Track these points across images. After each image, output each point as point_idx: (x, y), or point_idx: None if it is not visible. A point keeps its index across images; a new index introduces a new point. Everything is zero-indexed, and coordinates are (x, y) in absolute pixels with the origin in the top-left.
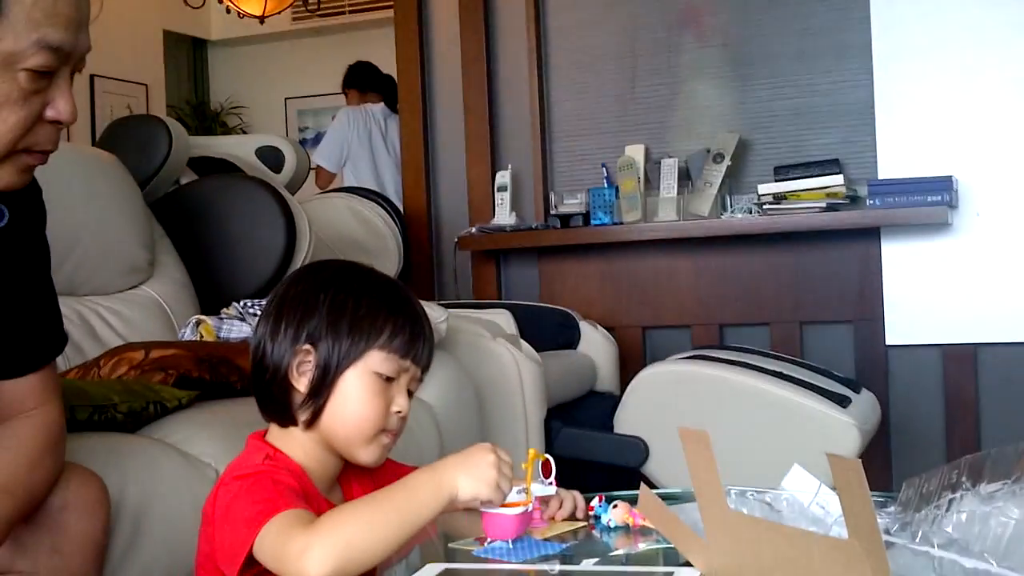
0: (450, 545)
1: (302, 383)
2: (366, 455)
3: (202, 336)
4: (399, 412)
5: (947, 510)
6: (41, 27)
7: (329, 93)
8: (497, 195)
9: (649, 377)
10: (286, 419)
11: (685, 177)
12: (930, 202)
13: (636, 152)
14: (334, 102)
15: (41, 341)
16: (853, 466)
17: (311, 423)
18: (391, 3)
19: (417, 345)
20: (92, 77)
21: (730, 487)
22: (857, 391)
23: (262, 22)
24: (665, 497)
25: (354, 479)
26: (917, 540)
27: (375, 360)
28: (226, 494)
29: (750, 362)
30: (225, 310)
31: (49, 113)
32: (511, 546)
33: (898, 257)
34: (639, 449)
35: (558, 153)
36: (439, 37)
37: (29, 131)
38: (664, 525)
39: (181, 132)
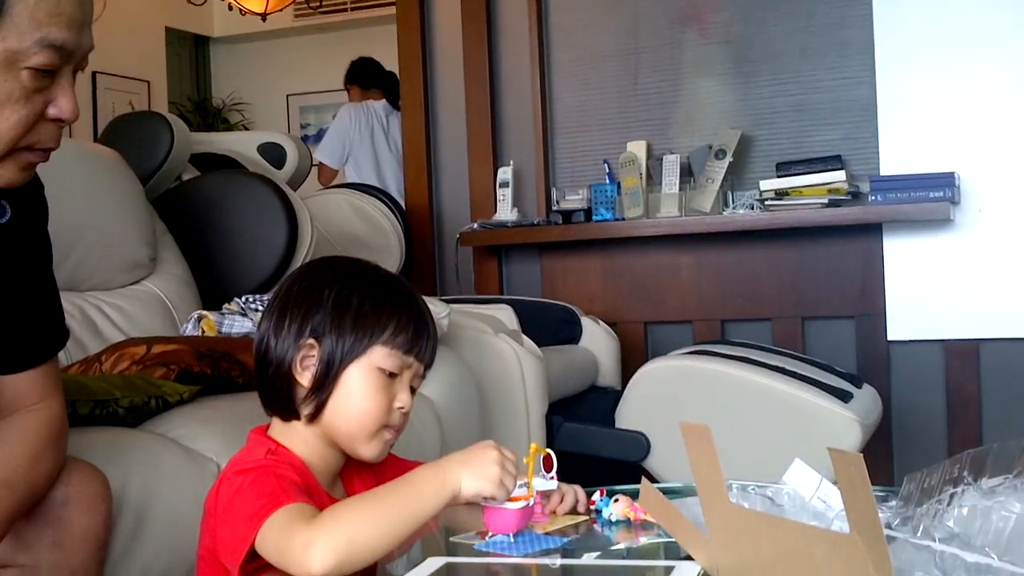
0: (451, 539)
1: (305, 377)
2: (368, 450)
3: (204, 331)
4: (401, 408)
5: (948, 505)
6: (44, 26)
7: (331, 90)
8: (499, 191)
9: (651, 372)
10: (289, 413)
11: (687, 173)
12: (932, 198)
13: (638, 148)
14: (336, 99)
15: (43, 336)
16: (855, 460)
17: (314, 417)
18: (393, 0)
19: (420, 341)
20: (94, 74)
21: (731, 481)
22: (859, 386)
23: (264, 19)
24: (666, 491)
25: (356, 474)
26: (918, 534)
27: (378, 356)
28: (228, 488)
29: (752, 357)
30: (227, 305)
31: (51, 111)
32: (512, 540)
33: (900, 253)
34: (640, 444)
35: (560, 149)
36: (441, 33)
37: (31, 129)
38: (665, 519)
39: (183, 128)
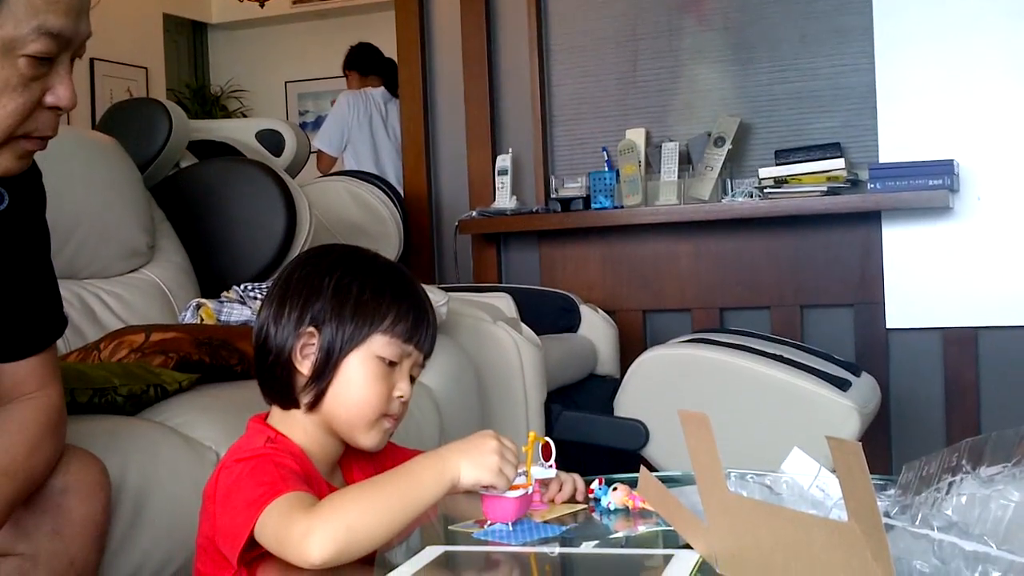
0: (450, 528)
1: (305, 366)
2: (367, 439)
3: (202, 319)
4: (401, 397)
5: (947, 493)
6: (41, 13)
7: (329, 76)
8: (498, 179)
9: (649, 360)
10: (288, 402)
11: (686, 161)
12: (931, 186)
13: (637, 136)
14: (334, 86)
15: (41, 324)
16: (853, 449)
17: (313, 406)
18: None
19: (420, 330)
20: (92, 61)
21: (730, 470)
22: (857, 374)
23: (262, 5)
24: (665, 480)
25: (355, 462)
26: (917, 523)
27: (378, 344)
28: (227, 477)
29: (750, 345)
30: (225, 293)
31: (49, 99)
32: (511, 528)
33: (899, 241)
34: (639, 432)
35: (559, 137)
36: (440, 20)
37: (28, 117)
38: (664, 508)
39: (181, 115)
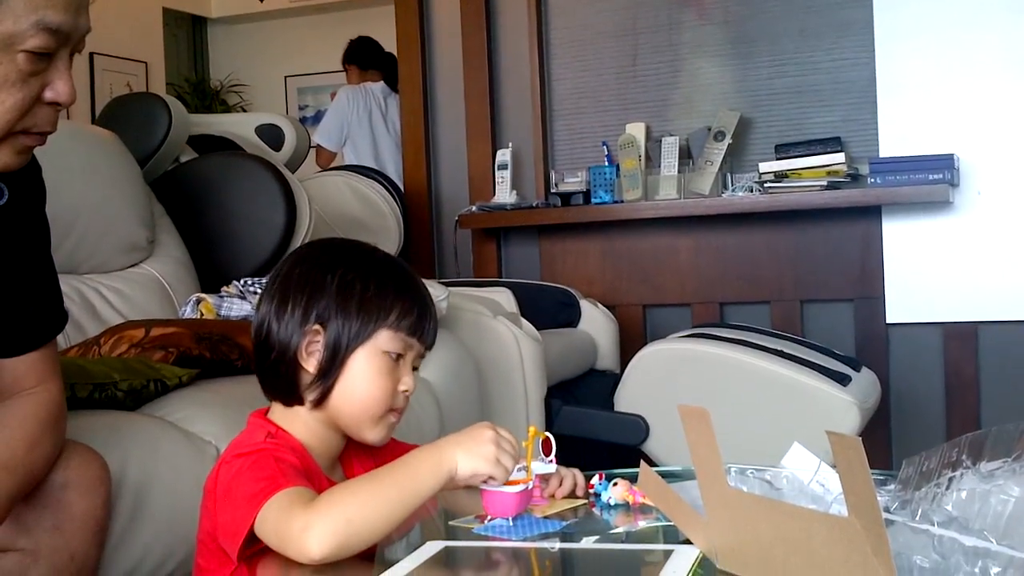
0: (450, 523)
1: (311, 364)
2: (373, 434)
3: (202, 314)
4: (406, 391)
5: (947, 488)
6: (40, 9)
7: (329, 71)
8: (497, 173)
9: (649, 355)
10: (292, 399)
11: (686, 155)
12: (931, 180)
13: (637, 130)
14: (334, 80)
15: (41, 319)
16: (853, 444)
17: (319, 403)
18: None
19: (424, 323)
20: (91, 55)
21: (730, 465)
22: (857, 369)
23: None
24: (665, 475)
25: (355, 457)
26: (917, 518)
27: (384, 339)
28: (228, 471)
29: (750, 340)
30: (225, 288)
31: (48, 95)
32: (511, 524)
33: (899, 235)
34: (639, 427)
35: (559, 131)
36: (439, 14)
37: (27, 113)
38: (664, 503)
39: (181, 110)
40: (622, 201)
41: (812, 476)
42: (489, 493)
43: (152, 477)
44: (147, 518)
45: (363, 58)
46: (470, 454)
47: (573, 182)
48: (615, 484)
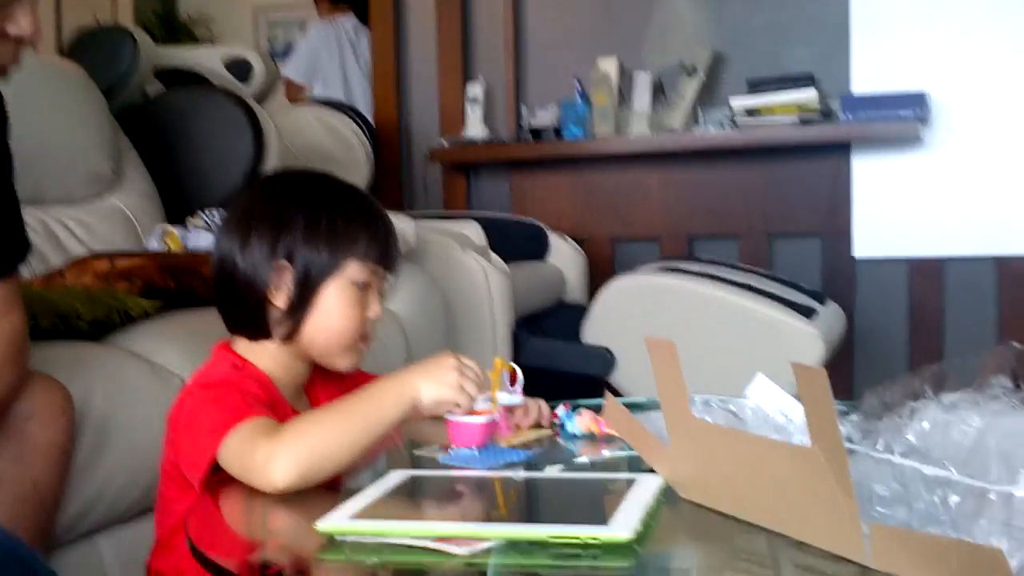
0: (415, 452)
1: (280, 300)
2: (344, 362)
3: (168, 246)
4: (375, 317)
5: (909, 419)
6: None
7: (299, 4)
8: (468, 107)
9: (617, 288)
10: (259, 334)
11: (659, 91)
12: (902, 118)
13: (609, 65)
14: (304, 14)
15: (4, 249)
16: (817, 375)
17: (289, 337)
18: None
19: (391, 250)
20: None
21: (695, 396)
22: (823, 303)
23: None
24: (630, 406)
25: (320, 387)
26: (879, 448)
27: (353, 270)
28: (191, 402)
29: (718, 274)
30: (191, 220)
31: (11, 30)
32: (476, 453)
33: (868, 172)
34: (606, 359)
35: (531, 66)
36: None
37: None
38: (628, 433)
39: (147, 42)
40: (594, 136)
41: (776, 407)
42: (454, 423)
43: (116, 407)
44: (111, 448)
45: None
46: (433, 381)
47: (545, 117)
48: (580, 414)
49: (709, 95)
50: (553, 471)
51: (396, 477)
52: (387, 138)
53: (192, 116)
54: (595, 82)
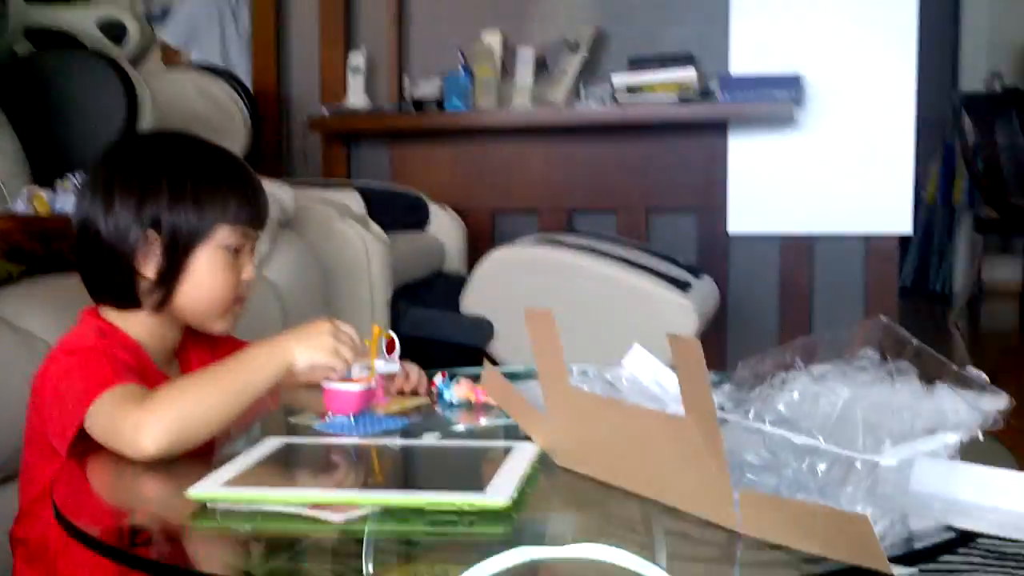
0: (291, 419)
1: (149, 269)
2: (220, 325)
3: (36, 209)
4: (248, 279)
5: (780, 389)
6: None
7: None
8: (350, 76)
9: (497, 259)
10: (128, 303)
11: (542, 66)
12: (777, 99)
13: (493, 38)
14: None
15: None
16: (691, 346)
17: (160, 306)
18: None
19: (261, 212)
20: None
21: (572, 365)
22: (698, 276)
23: None
24: (508, 374)
25: (192, 352)
26: (750, 417)
27: (223, 235)
28: (56, 369)
29: (596, 247)
30: (60, 183)
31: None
32: (353, 421)
33: (744, 151)
34: (484, 329)
35: (414, 36)
36: None
37: None
38: (506, 401)
39: (17, 0)
40: (476, 109)
41: (652, 376)
42: (330, 390)
43: None
44: None
45: None
46: (307, 345)
47: (427, 88)
48: (458, 383)
49: (591, 71)
50: (430, 439)
51: (270, 444)
52: (267, 106)
53: (63, 78)
54: (478, 55)
